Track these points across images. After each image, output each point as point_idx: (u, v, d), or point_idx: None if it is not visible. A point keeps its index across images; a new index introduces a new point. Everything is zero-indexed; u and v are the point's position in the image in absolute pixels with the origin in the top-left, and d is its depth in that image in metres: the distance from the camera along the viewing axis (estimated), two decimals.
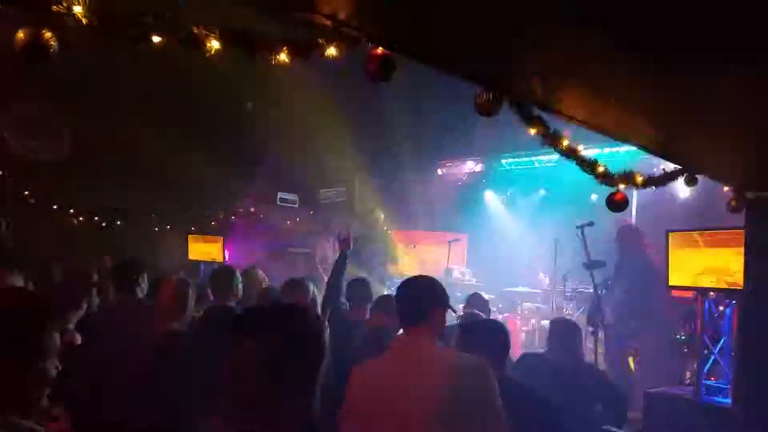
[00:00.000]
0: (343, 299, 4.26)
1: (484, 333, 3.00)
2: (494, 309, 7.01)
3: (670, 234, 5.01)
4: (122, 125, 7.11)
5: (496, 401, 2.27)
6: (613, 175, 3.95)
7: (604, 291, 6.14)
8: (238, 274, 4.21)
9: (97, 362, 3.34)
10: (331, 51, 2.40)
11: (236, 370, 1.39)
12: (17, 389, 1.42)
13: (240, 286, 4.15)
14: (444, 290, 2.60)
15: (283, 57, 2.33)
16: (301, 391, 1.42)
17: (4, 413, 1.39)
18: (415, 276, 2.71)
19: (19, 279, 3.71)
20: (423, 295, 2.53)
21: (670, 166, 4.24)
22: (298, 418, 1.40)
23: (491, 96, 3.08)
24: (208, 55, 2.30)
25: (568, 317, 5.16)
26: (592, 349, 5.50)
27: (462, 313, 4.45)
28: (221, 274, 4.25)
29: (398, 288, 2.65)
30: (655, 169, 4.32)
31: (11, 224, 7.72)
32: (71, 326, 3.63)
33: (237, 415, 1.41)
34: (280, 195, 9.60)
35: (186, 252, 8.87)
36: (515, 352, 4.58)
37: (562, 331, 3.89)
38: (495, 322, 3.74)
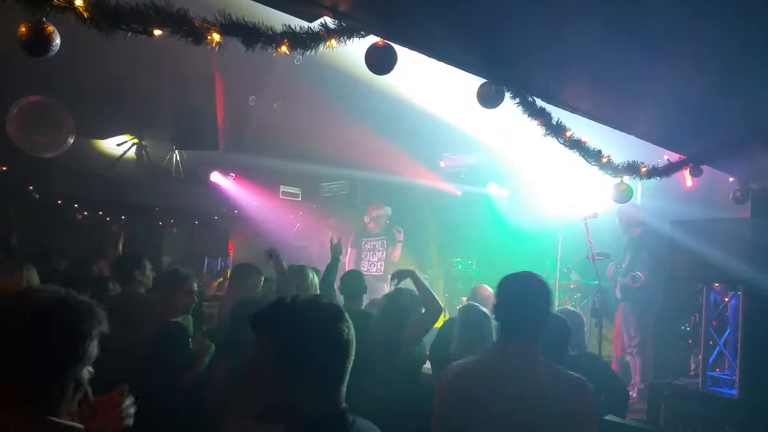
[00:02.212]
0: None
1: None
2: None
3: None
4: None
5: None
6: (618, 165, 3.94)
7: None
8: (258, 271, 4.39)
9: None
10: (332, 43, 2.39)
11: (253, 370, 1.42)
12: (59, 395, 1.44)
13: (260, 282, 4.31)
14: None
15: (284, 49, 2.32)
16: (319, 389, 1.40)
17: (48, 418, 1.42)
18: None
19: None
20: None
21: (675, 156, 4.22)
22: (316, 416, 1.39)
23: (493, 88, 3.07)
24: (210, 47, 2.30)
25: (573, 309, 5.15)
26: (598, 340, 5.50)
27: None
28: (242, 270, 4.44)
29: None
30: (659, 160, 4.30)
31: (16, 220, 7.76)
32: None
33: (255, 414, 1.43)
34: (282, 189, 9.60)
35: (189, 246, 8.91)
36: None
37: None
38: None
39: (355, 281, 4.28)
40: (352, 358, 1.46)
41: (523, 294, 2.19)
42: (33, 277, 3.70)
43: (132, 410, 1.64)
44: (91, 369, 1.53)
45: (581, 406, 2.05)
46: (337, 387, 1.44)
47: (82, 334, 1.46)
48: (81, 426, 1.49)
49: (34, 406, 1.41)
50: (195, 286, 3.75)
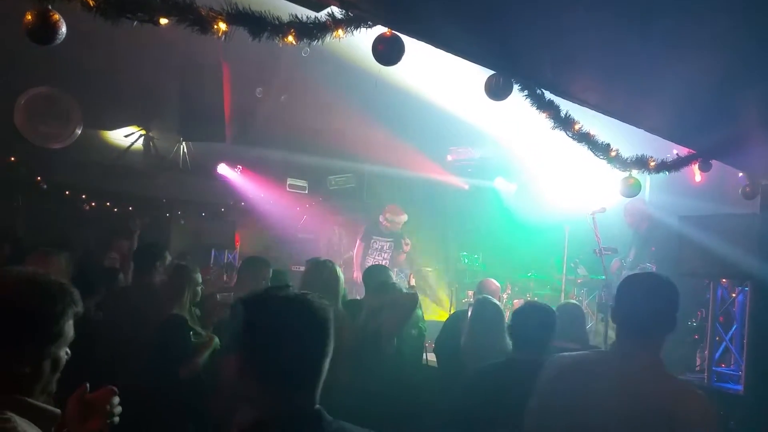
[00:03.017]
0: None
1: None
2: (506, 295, 7.01)
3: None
4: None
5: None
6: (626, 159, 3.90)
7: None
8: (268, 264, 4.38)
9: (111, 340, 3.47)
10: (339, 33, 2.38)
11: (229, 365, 1.42)
12: (33, 375, 1.43)
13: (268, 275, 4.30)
14: None
15: (290, 39, 2.31)
16: (284, 386, 1.36)
17: (18, 397, 1.41)
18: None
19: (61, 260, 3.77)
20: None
21: (684, 151, 4.18)
22: (286, 413, 1.36)
23: (501, 80, 3.05)
24: (216, 37, 2.30)
25: (574, 302, 5.13)
26: (603, 335, 5.49)
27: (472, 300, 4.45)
28: (251, 263, 4.44)
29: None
30: (668, 155, 4.26)
31: (24, 211, 7.81)
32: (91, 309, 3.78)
33: (231, 405, 1.42)
34: (289, 181, 9.60)
35: (196, 238, 8.94)
36: None
37: (567, 315, 3.87)
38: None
39: (377, 276, 4.26)
40: (328, 353, 1.41)
41: (642, 296, 2.15)
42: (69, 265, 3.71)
43: (119, 410, 1.60)
44: (68, 350, 1.51)
45: (688, 420, 1.93)
46: (309, 385, 1.39)
47: (53, 313, 1.44)
48: (56, 410, 1.48)
49: (6, 386, 1.39)
50: (199, 278, 3.77)
